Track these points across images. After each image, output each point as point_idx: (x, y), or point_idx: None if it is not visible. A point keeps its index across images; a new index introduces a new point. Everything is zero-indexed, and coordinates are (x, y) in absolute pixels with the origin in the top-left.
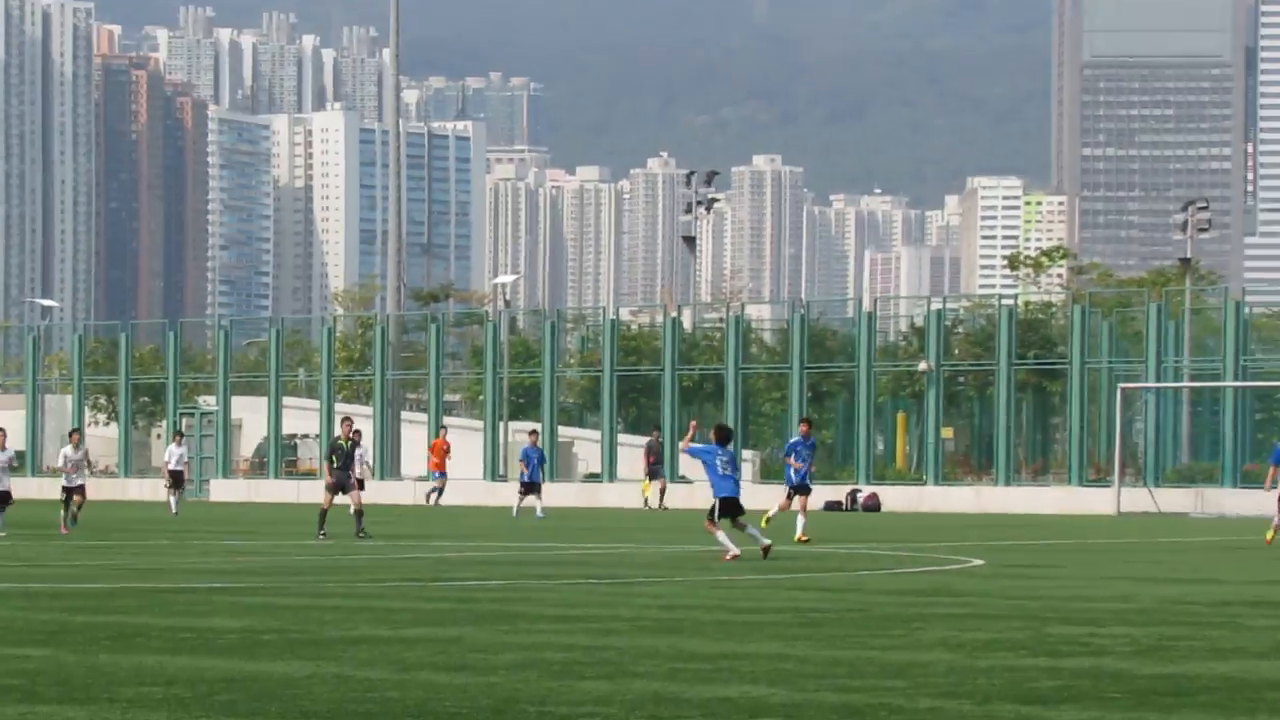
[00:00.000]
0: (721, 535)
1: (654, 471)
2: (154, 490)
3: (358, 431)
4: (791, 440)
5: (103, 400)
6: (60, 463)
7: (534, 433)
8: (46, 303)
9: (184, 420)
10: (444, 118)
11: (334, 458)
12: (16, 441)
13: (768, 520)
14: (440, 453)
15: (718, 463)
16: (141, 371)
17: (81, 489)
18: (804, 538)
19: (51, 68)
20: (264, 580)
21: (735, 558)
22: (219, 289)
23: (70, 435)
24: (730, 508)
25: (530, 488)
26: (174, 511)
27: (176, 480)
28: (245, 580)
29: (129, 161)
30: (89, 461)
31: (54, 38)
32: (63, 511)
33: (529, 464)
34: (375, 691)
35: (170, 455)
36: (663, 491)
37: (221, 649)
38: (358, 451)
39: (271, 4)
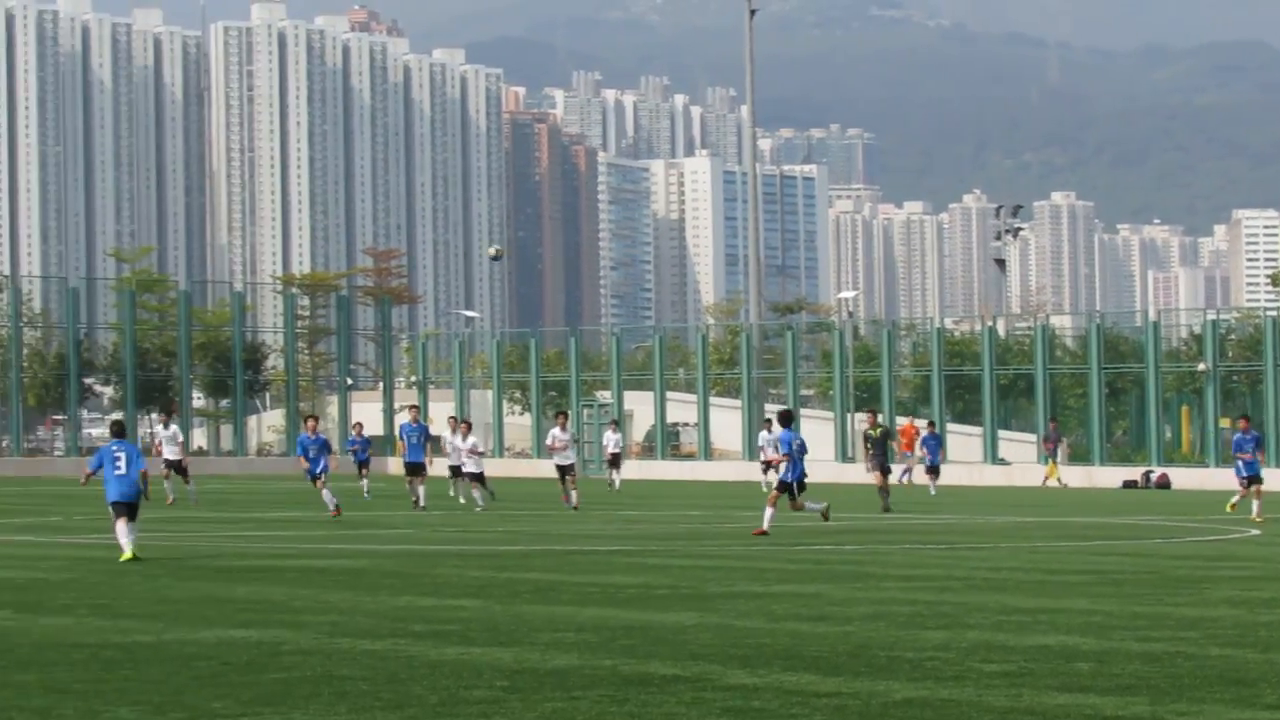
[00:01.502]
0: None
1: (1054, 453)
2: None
3: (465, 424)
4: (1235, 437)
5: (517, 394)
6: (448, 449)
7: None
8: (469, 314)
9: (585, 411)
10: (793, 162)
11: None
12: (442, 429)
13: (1232, 506)
14: (910, 437)
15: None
16: (549, 370)
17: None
18: (1258, 517)
19: (469, 122)
20: (656, 544)
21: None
22: (610, 303)
23: (460, 424)
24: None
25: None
26: (615, 487)
27: (614, 460)
28: (640, 544)
29: (534, 199)
30: (478, 449)
31: (470, 98)
32: (456, 491)
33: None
34: (750, 638)
35: (608, 440)
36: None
37: (622, 601)
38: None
39: (648, 69)
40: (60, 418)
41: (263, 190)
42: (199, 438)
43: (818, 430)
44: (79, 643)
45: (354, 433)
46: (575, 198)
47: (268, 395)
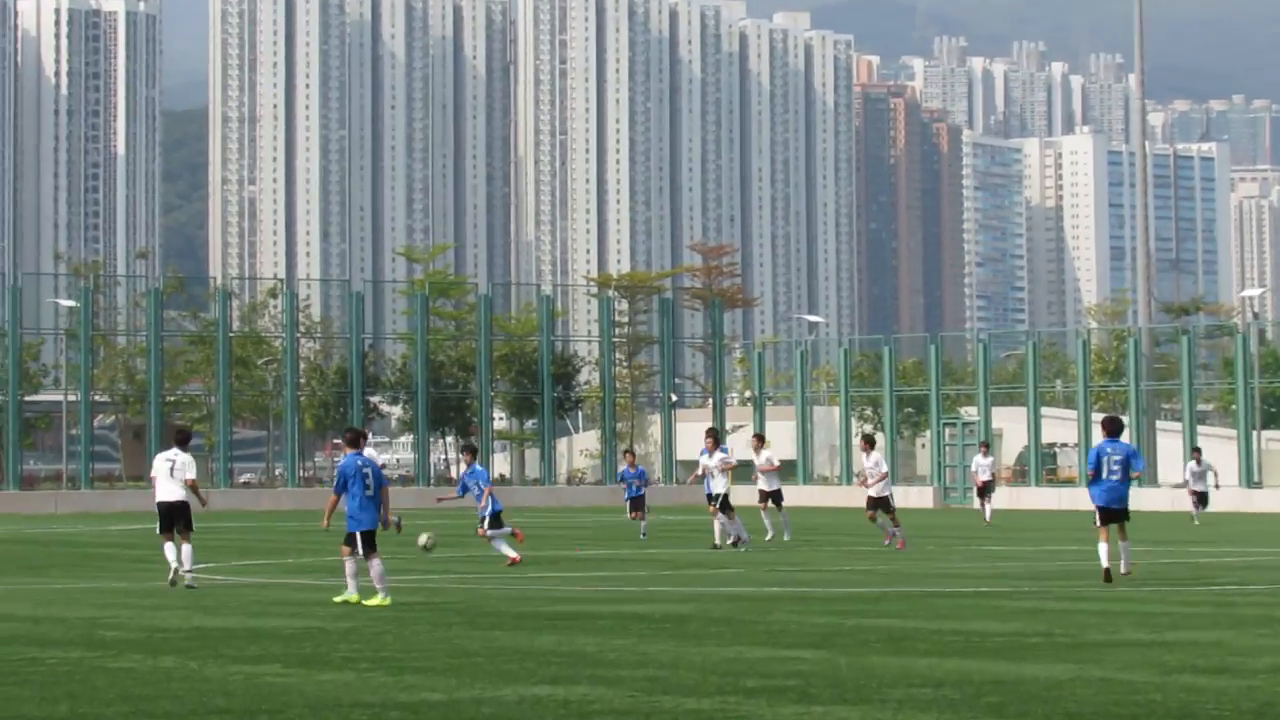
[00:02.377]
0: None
1: None
2: (919, 497)
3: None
4: None
5: (868, 411)
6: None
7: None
8: (813, 319)
9: (947, 430)
10: (1188, 139)
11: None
12: (785, 451)
13: None
14: None
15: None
16: (904, 383)
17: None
18: None
19: (814, 97)
20: (1028, 584)
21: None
22: (976, 304)
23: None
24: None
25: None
26: (987, 519)
27: (984, 489)
28: (1010, 585)
29: (887, 185)
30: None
31: (816, 69)
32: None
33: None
34: (1138, 694)
35: (978, 466)
36: None
37: (988, 651)
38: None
39: (1022, 33)
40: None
41: (576, 178)
42: (500, 464)
43: (1219, 450)
44: (360, 701)
45: (625, 463)
46: (936, 183)
47: (580, 415)
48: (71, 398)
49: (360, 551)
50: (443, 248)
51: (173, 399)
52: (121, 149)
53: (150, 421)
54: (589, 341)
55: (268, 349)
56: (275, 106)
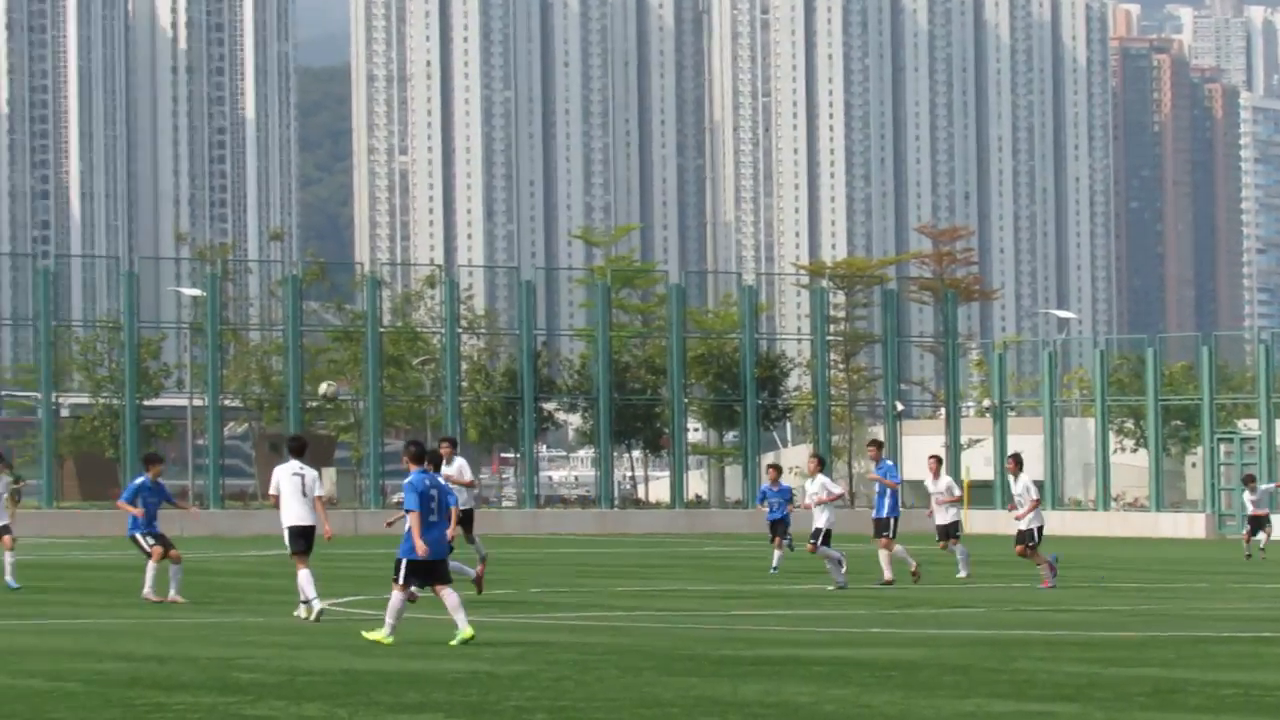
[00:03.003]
0: None
1: None
2: (1188, 526)
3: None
4: None
5: (1128, 424)
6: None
7: None
8: (1063, 314)
9: (1222, 447)
10: None
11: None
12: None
13: None
14: None
15: None
16: (1171, 391)
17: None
18: None
19: (1063, 54)
20: None
21: None
22: (1257, 297)
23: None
24: None
25: None
26: (1246, 553)
27: (1257, 523)
28: None
29: (1150, 156)
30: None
31: (1064, 20)
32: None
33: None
34: None
35: (1246, 500)
36: None
37: (1271, 708)
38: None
39: None
40: (510, 456)
41: (783, 149)
42: (696, 482)
43: None
44: None
45: (767, 480)
46: (1208, 155)
47: (789, 425)
48: (197, 402)
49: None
50: (626, 229)
51: (314, 404)
52: (250, 113)
53: (288, 430)
54: (799, 340)
55: (424, 347)
56: (429, 64)
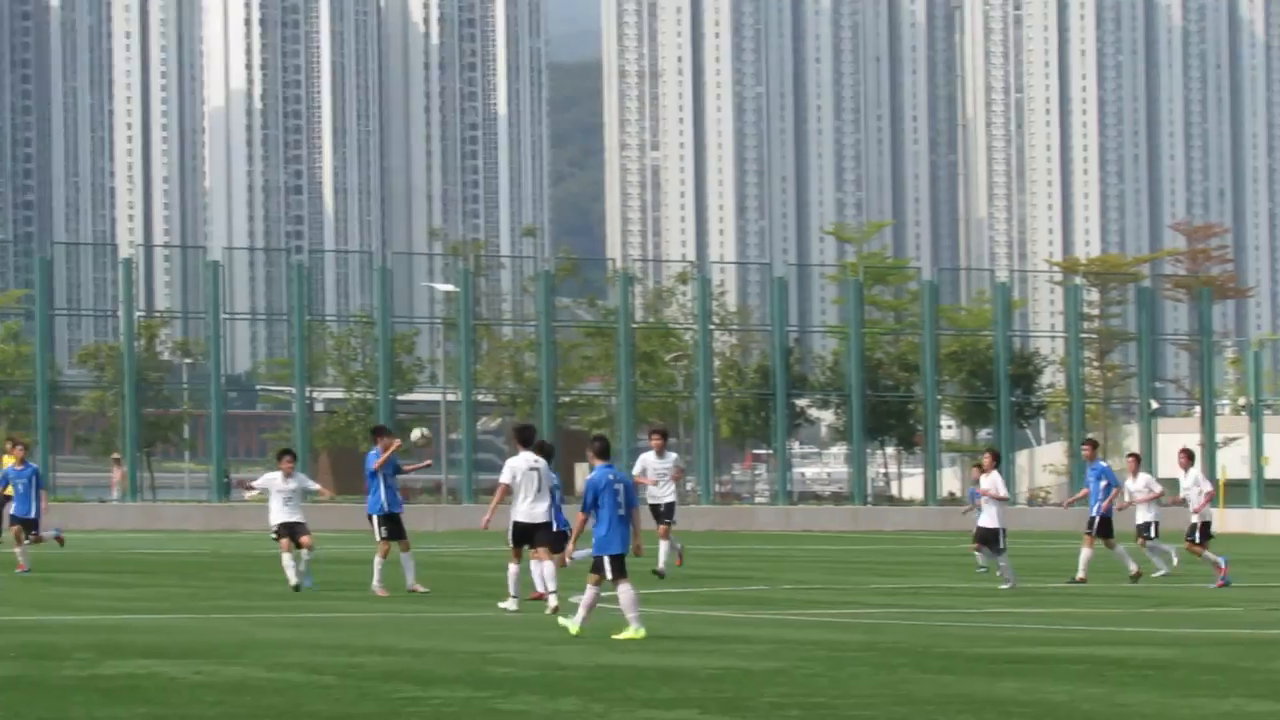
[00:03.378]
0: None
1: None
2: None
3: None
4: None
5: None
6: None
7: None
8: None
9: None
10: None
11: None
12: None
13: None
14: None
15: None
16: None
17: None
18: None
19: None
20: None
21: None
22: None
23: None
24: None
25: None
26: None
27: None
28: None
29: None
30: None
31: None
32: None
33: None
34: None
35: None
36: None
37: None
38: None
39: None
40: (763, 452)
41: (1035, 145)
42: (950, 479)
43: None
44: None
45: (974, 475)
46: None
47: (1042, 423)
48: (451, 397)
49: (610, 577)
50: (878, 226)
51: (567, 400)
52: (503, 108)
53: (541, 425)
54: (1052, 337)
55: (676, 343)
56: (680, 59)
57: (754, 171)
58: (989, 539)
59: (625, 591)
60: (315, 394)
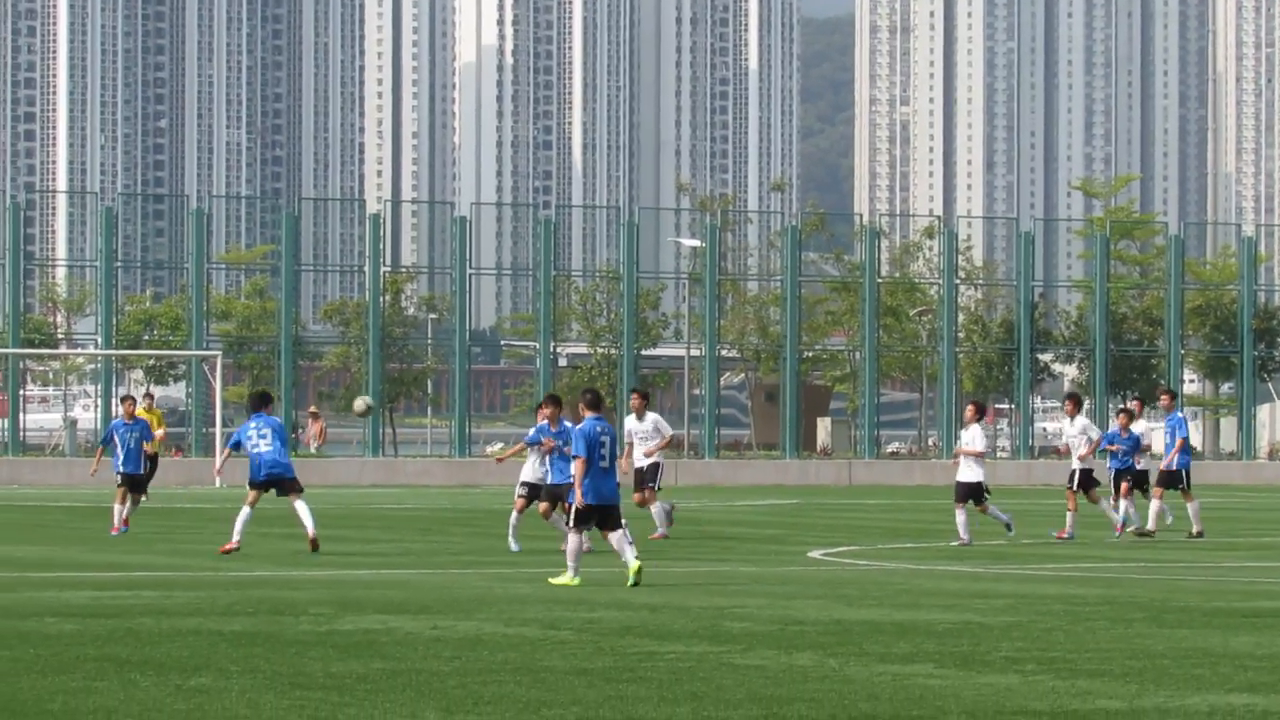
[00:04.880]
0: None
1: None
2: None
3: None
4: None
5: None
6: None
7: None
8: None
9: None
10: None
11: None
12: None
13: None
14: None
15: None
16: None
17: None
18: None
19: None
20: None
21: None
22: None
23: None
24: None
25: None
26: None
27: None
28: None
29: None
30: None
31: None
32: None
33: None
34: None
35: None
36: None
37: None
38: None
39: None
40: (1005, 407)
41: None
42: (1192, 433)
43: None
44: (1024, 708)
45: (1117, 424)
46: None
47: None
48: (695, 352)
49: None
50: (1126, 180)
51: (811, 355)
52: (753, 63)
53: (784, 381)
54: None
55: (922, 298)
56: (932, 14)
57: (1003, 127)
58: (971, 493)
59: (572, 540)
60: (559, 349)
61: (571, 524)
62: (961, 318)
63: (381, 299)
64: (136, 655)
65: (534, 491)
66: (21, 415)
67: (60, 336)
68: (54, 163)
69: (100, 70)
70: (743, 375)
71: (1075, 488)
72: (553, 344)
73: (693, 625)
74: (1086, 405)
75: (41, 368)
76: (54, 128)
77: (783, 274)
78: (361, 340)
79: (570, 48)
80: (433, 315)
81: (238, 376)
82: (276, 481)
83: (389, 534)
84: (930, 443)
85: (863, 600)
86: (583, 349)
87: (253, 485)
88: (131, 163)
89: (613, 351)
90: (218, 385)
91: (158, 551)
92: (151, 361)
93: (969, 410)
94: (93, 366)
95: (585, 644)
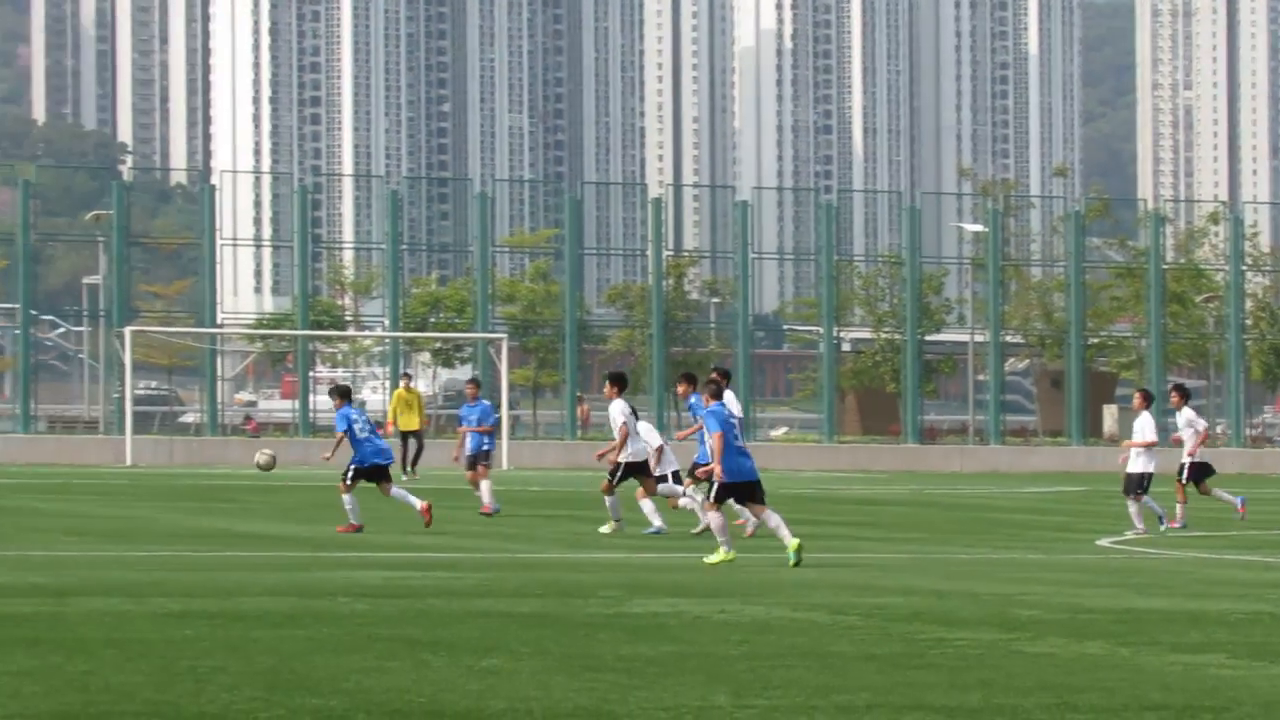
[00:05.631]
0: None
1: None
2: None
3: None
4: None
5: None
6: None
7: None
8: None
9: None
10: None
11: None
12: None
13: None
14: None
15: None
16: None
17: None
18: None
19: None
20: None
21: None
22: None
23: None
24: None
25: None
26: None
27: None
28: None
29: None
30: None
31: None
32: None
33: None
34: None
35: None
36: None
37: None
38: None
39: None
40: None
41: None
42: None
43: None
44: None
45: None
46: None
47: None
48: (979, 338)
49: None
50: None
51: (1096, 341)
52: (1034, 48)
53: (1070, 367)
54: None
55: (1208, 284)
56: None
57: None
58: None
59: (769, 516)
60: (842, 334)
61: (712, 500)
62: (1249, 304)
63: (664, 283)
64: (428, 635)
65: (629, 470)
66: (311, 397)
67: (348, 319)
68: (339, 147)
69: (384, 55)
70: (1027, 361)
71: (1185, 480)
72: (835, 329)
73: (981, 612)
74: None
75: (330, 350)
76: (339, 112)
77: (1066, 259)
78: (645, 324)
79: (849, 31)
80: (715, 299)
81: (523, 359)
82: (381, 470)
83: (673, 516)
84: (1219, 430)
85: (1153, 589)
86: (866, 334)
87: (360, 473)
88: (415, 146)
89: (896, 337)
90: (503, 368)
91: (447, 533)
92: (438, 344)
93: (1137, 399)
94: (380, 349)
95: (873, 629)
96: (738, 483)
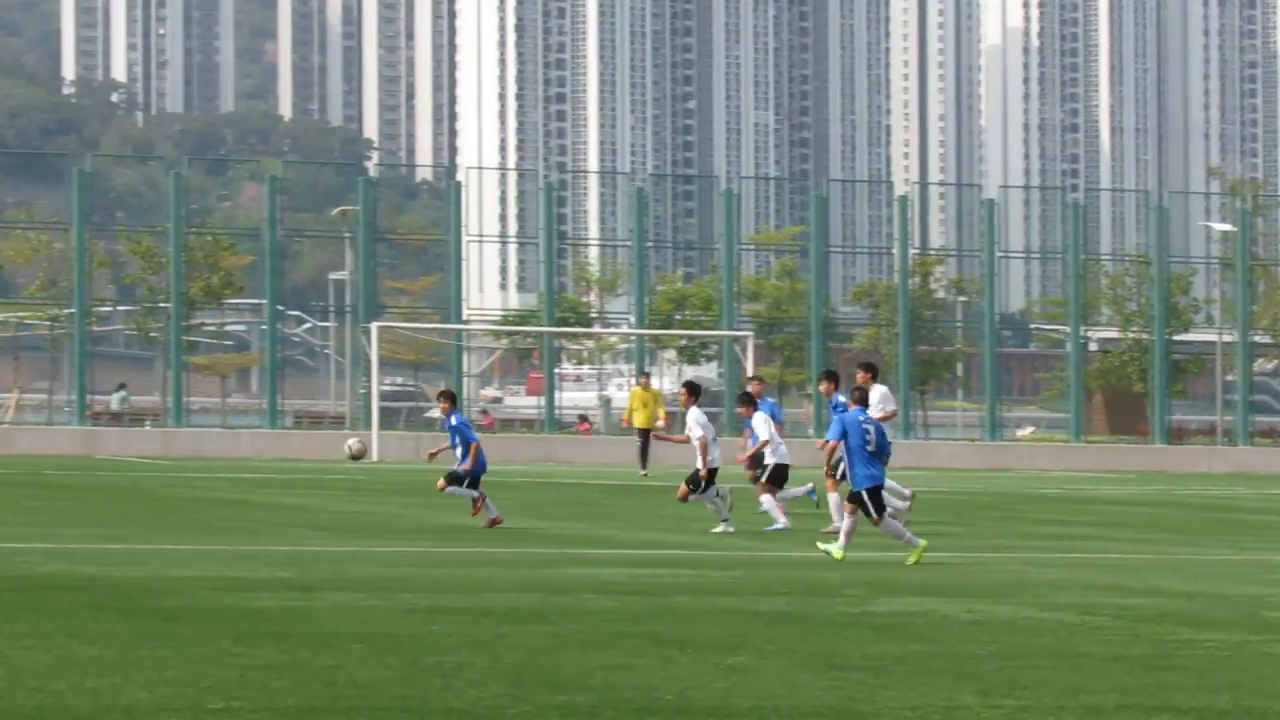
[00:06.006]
0: None
1: None
2: None
3: None
4: None
5: None
6: None
7: None
8: None
9: None
10: None
11: None
12: None
13: None
14: None
15: None
16: None
17: None
18: None
19: None
20: None
21: None
22: None
23: None
24: None
25: None
26: None
27: None
28: None
29: None
30: None
31: None
32: None
33: None
34: None
35: None
36: None
37: None
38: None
39: None
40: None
41: None
42: None
43: None
44: None
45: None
46: None
47: None
48: (1227, 338)
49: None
50: None
51: None
52: None
53: None
54: None
55: None
56: None
57: None
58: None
59: (848, 520)
60: (1089, 333)
61: (847, 505)
62: None
63: (910, 281)
64: (674, 633)
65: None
66: (557, 394)
67: (594, 315)
68: (585, 143)
69: (629, 52)
70: (1276, 362)
71: None
72: (1083, 328)
73: (1230, 613)
74: None
75: (576, 346)
76: (585, 109)
77: None
78: (891, 322)
79: (1096, 29)
80: (962, 298)
81: (769, 357)
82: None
83: (922, 516)
84: None
85: None
86: (1113, 333)
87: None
88: (660, 143)
89: (1144, 336)
90: (749, 366)
91: (691, 530)
92: (683, 341)
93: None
94: (626, 346)
95: (1121, 630)
96: (870, 489)
